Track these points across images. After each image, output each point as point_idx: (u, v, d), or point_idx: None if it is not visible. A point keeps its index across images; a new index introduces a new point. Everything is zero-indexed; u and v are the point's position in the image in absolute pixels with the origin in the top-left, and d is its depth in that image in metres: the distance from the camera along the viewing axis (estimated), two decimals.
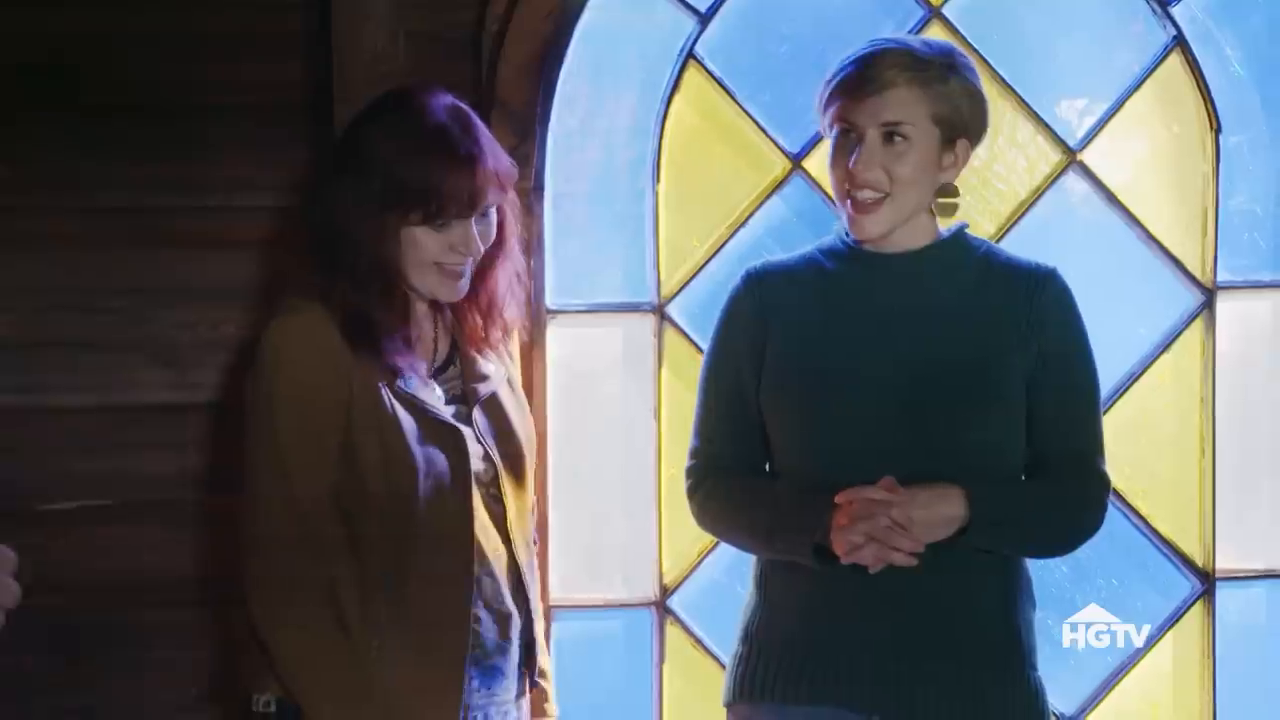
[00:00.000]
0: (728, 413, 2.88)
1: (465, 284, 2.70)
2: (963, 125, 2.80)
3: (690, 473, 2.92)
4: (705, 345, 2.96)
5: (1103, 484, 2.87)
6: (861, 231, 2.80)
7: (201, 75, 3.19)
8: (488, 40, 3.26)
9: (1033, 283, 2.82)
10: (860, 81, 2.75)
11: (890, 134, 2.74)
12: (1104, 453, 2.87)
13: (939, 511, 2.68)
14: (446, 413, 2.68)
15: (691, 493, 2.91)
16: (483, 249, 2.69)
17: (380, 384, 2.61)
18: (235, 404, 3.18)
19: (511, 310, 2.80)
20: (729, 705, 2.90)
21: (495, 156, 2.66)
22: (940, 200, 2.83)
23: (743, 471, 2.87)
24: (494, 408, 2.76)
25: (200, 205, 3.21)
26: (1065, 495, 2.82)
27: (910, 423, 2.74)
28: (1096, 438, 2.86)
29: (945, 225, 2.88)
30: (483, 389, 2.75)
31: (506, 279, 2.78)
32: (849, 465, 2.72)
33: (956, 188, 2.84)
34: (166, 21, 3.18)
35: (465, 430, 2.69)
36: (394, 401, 2.62)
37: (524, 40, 3.27)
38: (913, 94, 2.74)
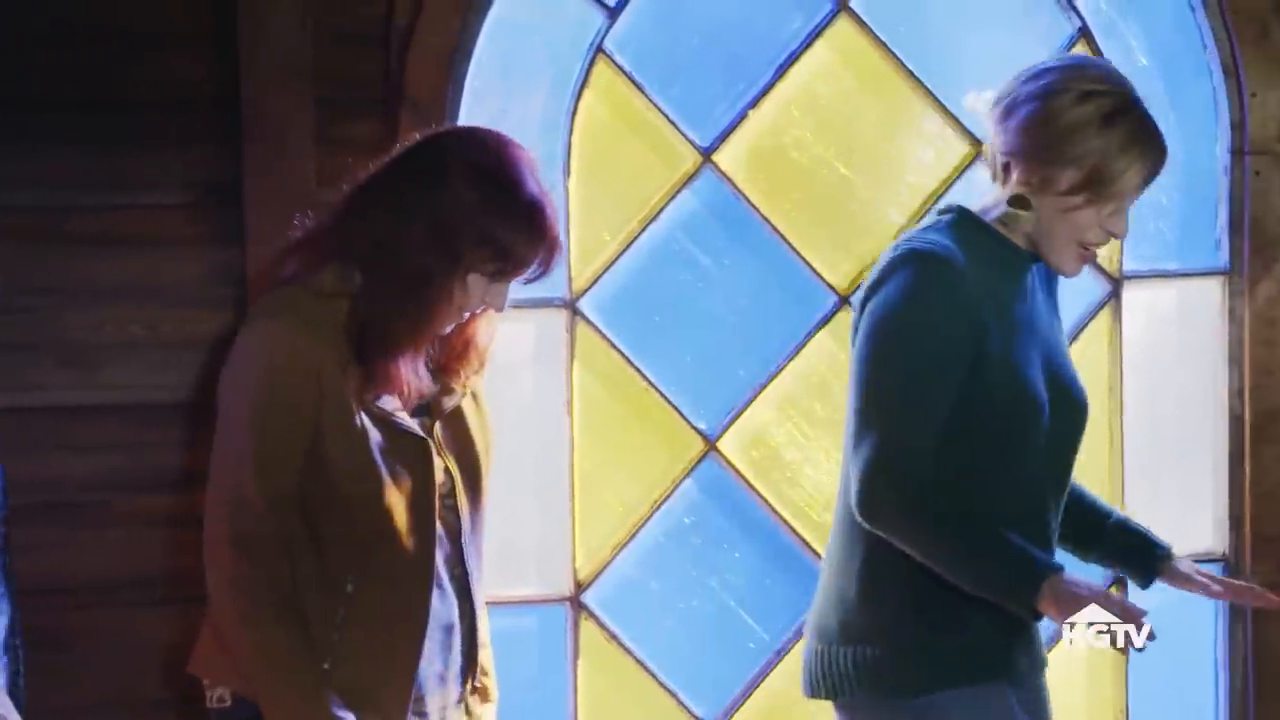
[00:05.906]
0: (935, 409, 2.58)
1: None
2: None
3: (898, 476, 2.54)
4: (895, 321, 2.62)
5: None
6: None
7: (109, 71, 3.15)
8: (396, 34, 3.24)
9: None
10: None
11: None
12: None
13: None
14: (414, 425, 2.67)
15: (902, 493, 2.55)
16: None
17: (350, 397, 2.60)
18: (148, 404, 3.19)
19: (484, 354, 2.80)
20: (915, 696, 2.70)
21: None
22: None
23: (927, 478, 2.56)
24: (455, 420, 2.75)
25: (108, 204, 3.17)
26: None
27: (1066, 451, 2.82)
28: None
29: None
30: (447, 402, 2.74)
31: (488, 331, 2.77)
32: (1026, 494, 2.73)
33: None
34: (74, 16, 3.14)
35: (430, 441, 2.69)
36: (363, 415, 2.61)
37: (433, 34, 3.25)
38: None
